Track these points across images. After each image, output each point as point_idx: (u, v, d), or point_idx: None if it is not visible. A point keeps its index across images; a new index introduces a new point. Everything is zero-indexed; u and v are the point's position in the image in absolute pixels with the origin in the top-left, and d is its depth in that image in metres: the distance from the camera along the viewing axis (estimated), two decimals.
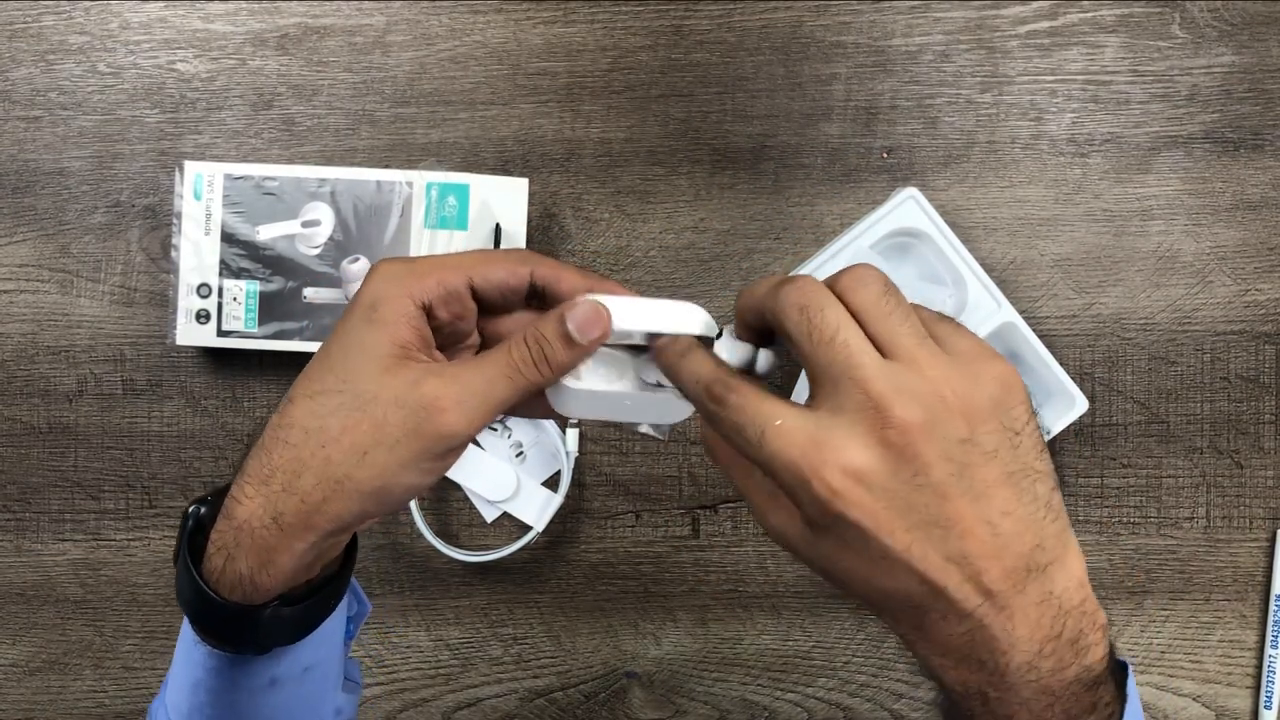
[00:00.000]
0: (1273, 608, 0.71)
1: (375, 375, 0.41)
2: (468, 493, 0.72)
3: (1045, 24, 0.71)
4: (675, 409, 0.44)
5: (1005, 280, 0.71)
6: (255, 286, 0.69)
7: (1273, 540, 0.71)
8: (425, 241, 0.68)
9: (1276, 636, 0.70)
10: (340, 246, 0.68)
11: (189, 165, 0.68)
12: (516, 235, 0.69)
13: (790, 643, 0.72)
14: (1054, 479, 0.39)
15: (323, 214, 0.68)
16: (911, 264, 0.69)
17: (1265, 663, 0.71)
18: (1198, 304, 0.71)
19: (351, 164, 0.72)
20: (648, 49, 0.71)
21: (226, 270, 0.69)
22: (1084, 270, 0.71)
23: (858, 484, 0.36)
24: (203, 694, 0.47)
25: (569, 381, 0.43)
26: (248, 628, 0.44)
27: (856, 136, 0.71)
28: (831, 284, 0.39)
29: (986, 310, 0.67)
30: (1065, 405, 0.67)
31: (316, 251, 0.69)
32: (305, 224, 0.68)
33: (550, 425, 0.71)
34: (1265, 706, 0.71)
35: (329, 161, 0.72)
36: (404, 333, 0.42)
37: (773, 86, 0.71)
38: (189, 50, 0.72)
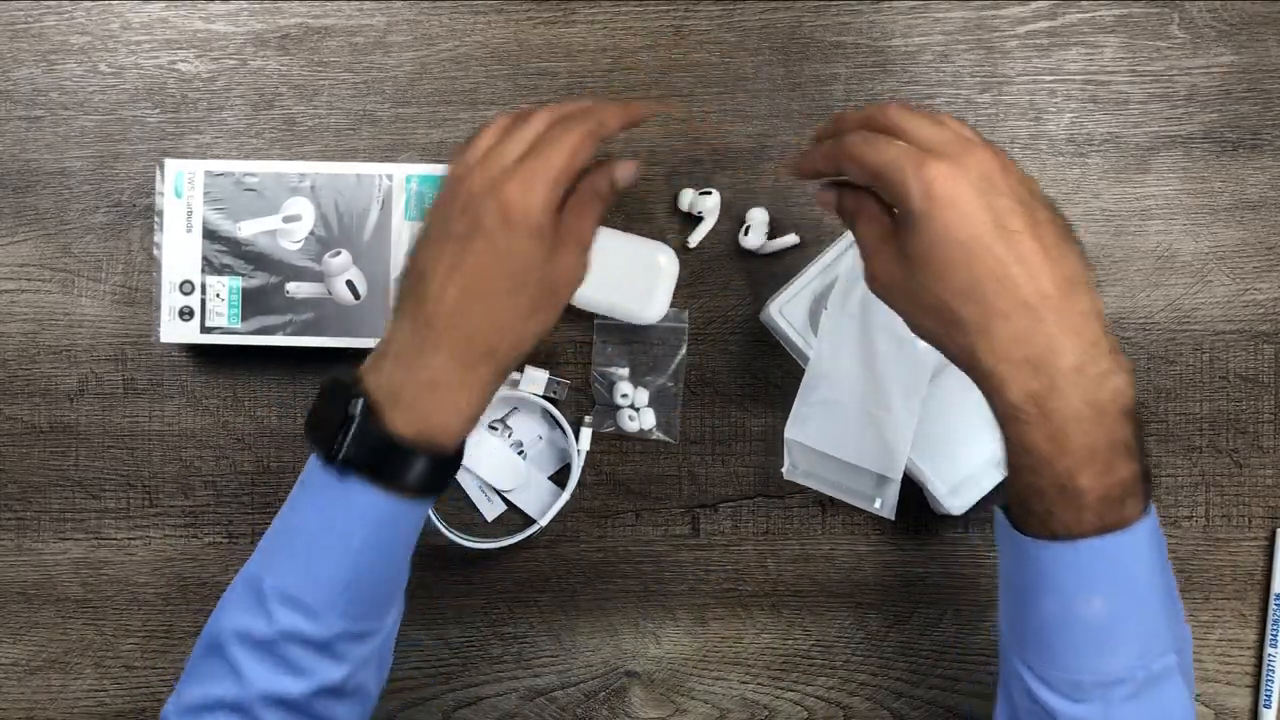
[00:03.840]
0: (1272, 606, 0.71)
1: (540, 272, 0.54)
2: (470, 487, 0.72)
3: (1044, 24, 0.71)
4: None
5: None
6: (238, 282, 0.69)
7: (1272, 539, 0.71)
8: (406, 233, 0.68)
9: (1276, 635, 0.71)
10: (321, 240, 0.69)
11: (169, 163, 0.69)
12: None
13: (790, 641, 0.72)
14: (1076, 239, 0.50)
15: (303, 209, 0.69)
16: None
17: (1264, 661, 0.71)
18: (1197, 303, 0.71)
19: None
20: (648, 49, 0.71)
21: (209, 267, 0.69)
22: None
23: (959, 189, 0.48)
24: (370, 554, 0.55)
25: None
26: (444, 468, 0.55)
27: None
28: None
29: None
30: None
31: (298, 246, 0.69)
32: (286, 219, 0.69)
33: (559, 423, 0.71)
34: (1265, 705, 0.71)
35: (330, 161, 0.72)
36: (549, 224, 0.54)
37: (773, 86, 0.71)
38: (190, 50, 0.72)
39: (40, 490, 0.72)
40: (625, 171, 0.57)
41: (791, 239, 0.70)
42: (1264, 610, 0.71)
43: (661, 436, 0.72)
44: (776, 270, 0.71)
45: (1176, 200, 0.71)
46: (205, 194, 0.69)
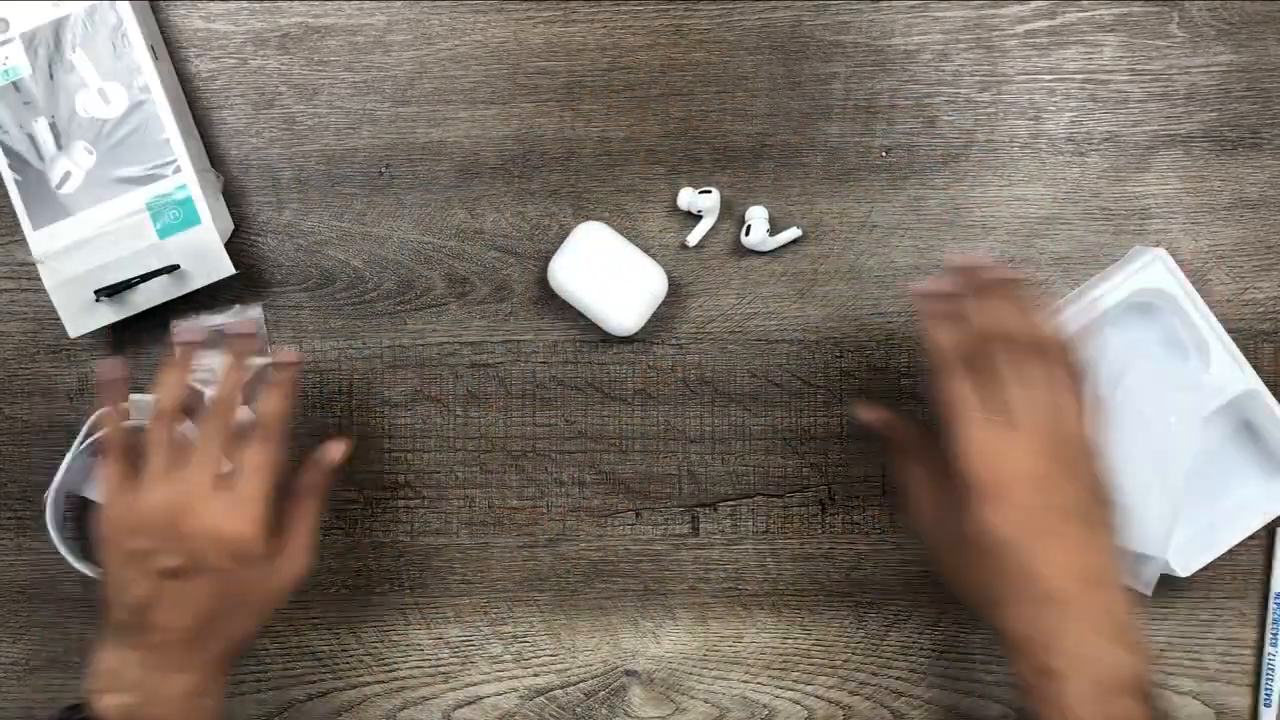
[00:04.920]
0: (1272, 605, 0.71)
1: (263, 586, 0.61)
2: None
3: (1044, 23, 0.71)
4: None
5: None
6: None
7: (1272, 538, 0.71)
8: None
9: (1276, 634, 0.71)
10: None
11: None
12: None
13: (790, 641, 0.72)
14: (1115, 526, 0.56)
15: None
16: (1153, 327, 0.69)
17: (1264, 660, 0.71)
18: None
19: (352, 163, 0.72)
20: (647, 48, 0.72)
21: None
22: (1082, 268, 0.71)
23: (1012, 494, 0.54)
24: None
25: None
26: None
27: (855, 135, 0.71)
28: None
29: (1228, 377, 0.67)
30: None
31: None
32: None
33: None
34: (1265, 704, 0.71)
35: (330, 162, 0.72)
36: (265, 548, 0.60)
37: (772, 85, 0.71)
38: (190, 50, 0.72)
39: (40, 489, 0.71)
40: (335, 453, 0.65)
41: (794, 232, 0.70)
42: (1264, 609, 0.71)
43: None
44: (777, 269, 0.71)
45: (1176, 199, 0.71)
46: None
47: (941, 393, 0.56)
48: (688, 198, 0.70)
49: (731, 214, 0.71)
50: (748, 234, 0.70)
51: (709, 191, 0.70)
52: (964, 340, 0.57)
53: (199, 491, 0.58)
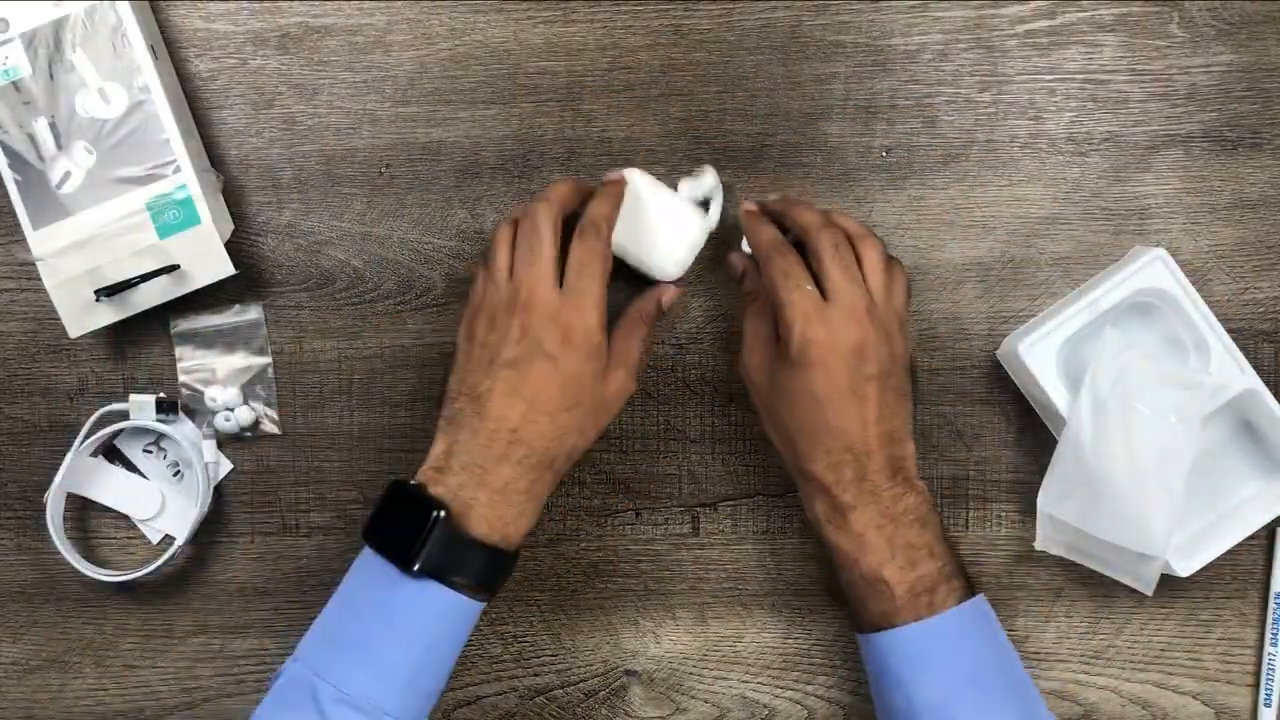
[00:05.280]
0: (1272, 605, 0.71)
1: (593, 389, 0.62)
2: (135, 519, 0.73)
3: (1044, 23, 0.71)
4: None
5: (1004, 280, 0.71)
6: None
7: (1272, 538, 0.71)
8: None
9: (1276, 634, 0.71)
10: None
11: None
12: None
13: (790, 640, 0.72)
14: (911, 402, 0.64)
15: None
16: (1153, 327, 0.69)
17: (1265, 660, 0.71)
18: None
19: (352, 163, 0.72)
20: (647, 48, 0.72)
21: None
22: (1082, 269, 0.71)
23: (830, 358, 0.60)
24: (437, 651, 0.60)
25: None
26: (509, 567, 0.62)
27: (855, 135, 0.71)
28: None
29: (1228, 376, 0.67)
30: None
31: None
32: None
33: (202, 444, 0.72)
34: (1265, 704, 0.71)
35: (330, 162, 0.72)
36: (603, 345, 0.62)
37: (772, 86, 0.71)
38: (190, 50, 0.72)
39: (40, 489, 0.72)
40: (670, 297, 0.68)
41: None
42: (1264, 609, 0.71)
43: (270, 429, 0.72)
44: None
45: (1176, 199, 0.71)
46: None
47: (769, 272, 0.62)
48: (689, 188, 0.69)
49: (728, 224, 0.71)
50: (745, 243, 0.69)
51: (701, 176, 0.69)
52: (783, 237, 0.64)
53: (541, 285, 0.60)
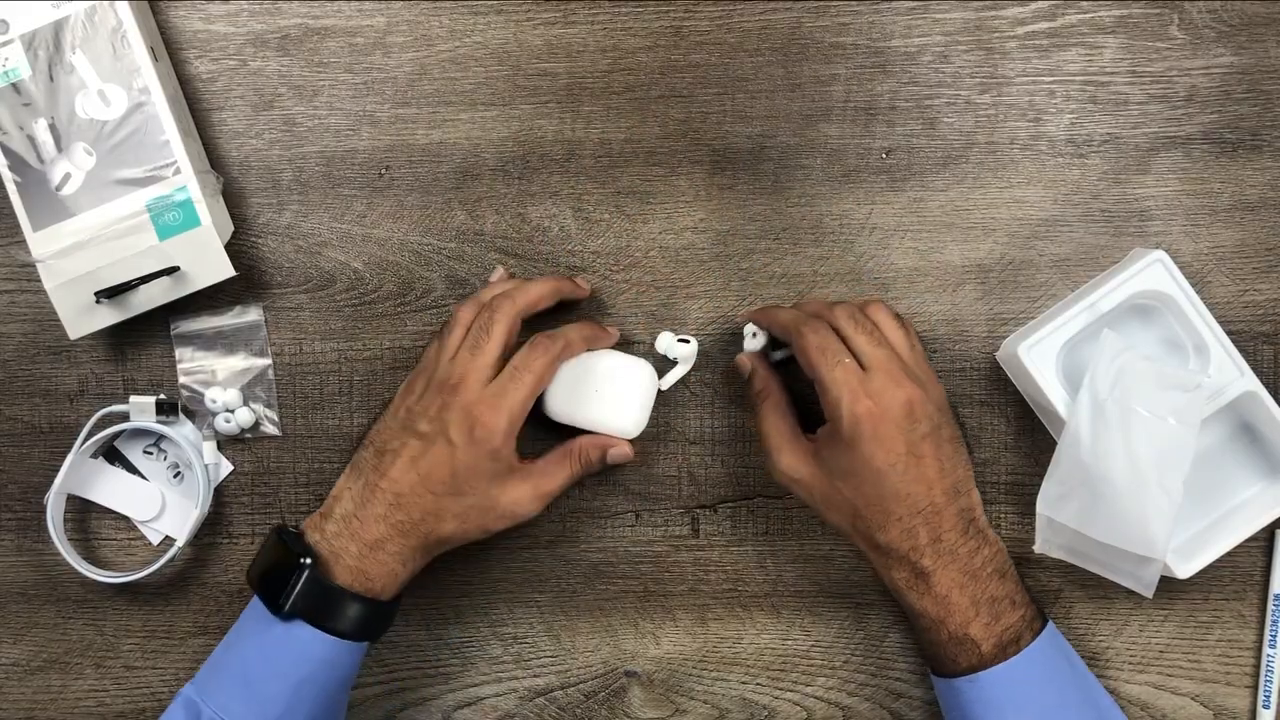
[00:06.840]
0: (1271, 607, 0.71)
1: (485, 488, 0.63)
2: (135, 521, 0.73)
3: (1044, 25, 0.71)
4: None
5: (1004, 281, 0.71)
6: None
7: (1271, 540, 0.71)
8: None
9: (1275, 636, 0.71)
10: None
11: None
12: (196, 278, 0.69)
13: (790, 642, 0.72)
14: (965, 446, 0.64)
15: None
16: (1152, 328, 0.69)
17: (1263, 662, 0.71)
18: None
19: (352, 164, 0.72)
20: (647, 50, 0.71)
21: None
22: (1082, 270, 0.71)
23: (884, 427, 0.60)
24: (307, 689, 0.62)
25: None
26: (381, 617, 0.64)
27: (856, 137, 0.71)
28: (835, 325, 0.64)
29: (1228, 378, 0.67)
30: None
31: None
32: None
33: (202, 445, 0.72)
34: (1263, 705, 0.71)
35: (330, 163, 0.72)
36: (506, 450, 0.63)
37: (772, 87, 0.71)
38: (190, 51, 0.72)
39: (40, 490, 0.72)
40: (620, 453, 0.68)
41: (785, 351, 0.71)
42: (1263, 611, 0.71)
43: (270, 430, 0.72)
44: (777, 271, 0.71)
45: (1176, 201, 0.71)
46: None
47: (805, 349, 0.62)
48: (666, 343, 0.71)
49: (738, 231, 0.71)
50: (755, 337, 0.70)
51: (687, 341, 0.70)
52: (800, 315, 0.65)
53: (472, 375, 0.62)
